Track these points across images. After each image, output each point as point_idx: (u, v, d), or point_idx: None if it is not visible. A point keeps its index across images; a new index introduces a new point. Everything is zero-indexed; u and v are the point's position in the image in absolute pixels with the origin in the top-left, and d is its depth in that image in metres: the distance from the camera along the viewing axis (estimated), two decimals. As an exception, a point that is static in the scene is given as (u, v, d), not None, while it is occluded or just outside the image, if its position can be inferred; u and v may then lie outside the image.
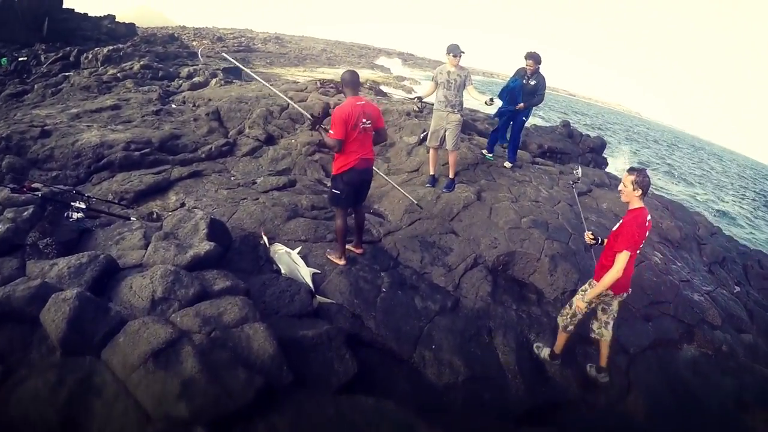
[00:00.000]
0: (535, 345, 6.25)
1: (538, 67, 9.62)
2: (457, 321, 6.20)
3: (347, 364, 4.78)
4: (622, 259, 4.89)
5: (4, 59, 23.83)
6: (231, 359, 3.97)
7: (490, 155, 11.03)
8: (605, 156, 18.29)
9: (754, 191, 49.23)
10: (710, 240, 10.88)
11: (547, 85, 9.79)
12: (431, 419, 4.32)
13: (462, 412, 5.20)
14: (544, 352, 6.09)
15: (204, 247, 5.52)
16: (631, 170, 5.06)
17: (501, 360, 5.89)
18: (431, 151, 9.31)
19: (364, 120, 5.81)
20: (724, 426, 5.94)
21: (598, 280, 5.28)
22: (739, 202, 38.45)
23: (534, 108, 10.72)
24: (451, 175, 9.21)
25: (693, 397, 6.11)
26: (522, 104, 9.72)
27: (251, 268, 6.48)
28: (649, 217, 5.13)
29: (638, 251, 5.22)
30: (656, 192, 16.13)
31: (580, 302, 5.50)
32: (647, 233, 5.15)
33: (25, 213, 5.70)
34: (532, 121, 14.20)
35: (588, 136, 18.25)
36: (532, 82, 9.67)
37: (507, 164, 10.80)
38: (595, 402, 5.75)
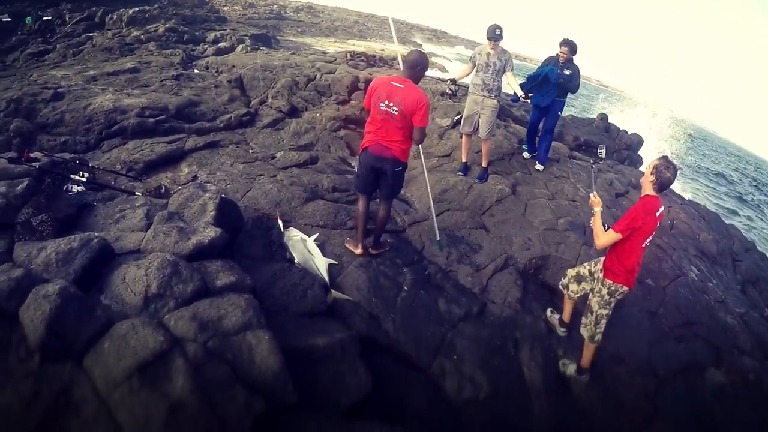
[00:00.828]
0: (561, 362, 5.73)
1: (572, 57, 8.60)
2: (482, 329, 5.65)
3: (361, 379, 4.28)
4: (608, 236, 4.68)
5: (28, 18, 23.48)
6: (228, 376, 3.46)
7: (531, 155, 9.94)
8: (640, 155, 17.11)
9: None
10: (745, 257, 10.13)
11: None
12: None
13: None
14: (570, 369, 5.56)
15: (209, 233, 4.96)
16: (660, 157, 4.69)
17: (526, 376, 5.36)
18: (464, 137, 8.57)
19: (387, 101, 5.22)
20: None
21: (606, 276, 5.00)
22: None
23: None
24: (484, 165, 8.53)
25: (717, 428, 5.56)
26: (566, 72, 8.53)
27: (262, 254, 6.00)
28: (662, 209, 4.69)
29: (646, 243, 4.80)
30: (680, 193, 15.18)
31: (600, 308, 5.14)
32: (658, 224, 4.73)
33: (19, 187, 5.16)
34: (567, 111, 12.77)
35: (625, 131, 17.28)
36: (567, 72, 8.62)
37: (539, 167, 9.61)
38: (620, 428, 5.20)
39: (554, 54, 8.74)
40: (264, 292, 5.07)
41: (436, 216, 6.88)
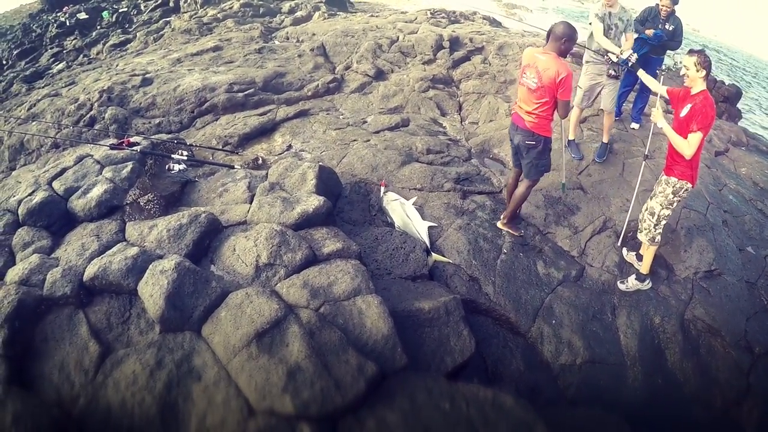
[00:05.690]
0: (619, 281, 5.66)
1: (674, 8, 7.45)
2: (581, 294, 5.45)
3: (464, 342, 4.22)
4: (695, 138, 4.57)
5: (105, 12, 24.27)
6: (341, 341, 3.53)
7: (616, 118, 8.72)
8: (740, 108, 15.24)
9: None
10: None
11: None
12: (550, 418, 3.69)
13: (573, 402, 4.60)
14: (631, 281, 5.59)
15: (313, 202, 5.03)
16: (690, 52, 4.70)
17: (622, 343, 5.13)
18: (575, 109, 7.35)
19: (528, 73, 4.94)
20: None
21: (671, 174, 4.99)
22: None
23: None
24: (605, 140, 7.52)
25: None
26: (650, 30, 7.40)
27: (362, 219, 6.09)
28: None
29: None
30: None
31: (663, 209, 5.15)
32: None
33: (124, 171, 5.45)
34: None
35: (722, 83, 15.83)
36: (670, 28, 7.43)
37: (634, 125, 8.78)
38: (712, 402, 4.91)
39: (653, 5, 7.65)
40: (367, 257, 5.12)
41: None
